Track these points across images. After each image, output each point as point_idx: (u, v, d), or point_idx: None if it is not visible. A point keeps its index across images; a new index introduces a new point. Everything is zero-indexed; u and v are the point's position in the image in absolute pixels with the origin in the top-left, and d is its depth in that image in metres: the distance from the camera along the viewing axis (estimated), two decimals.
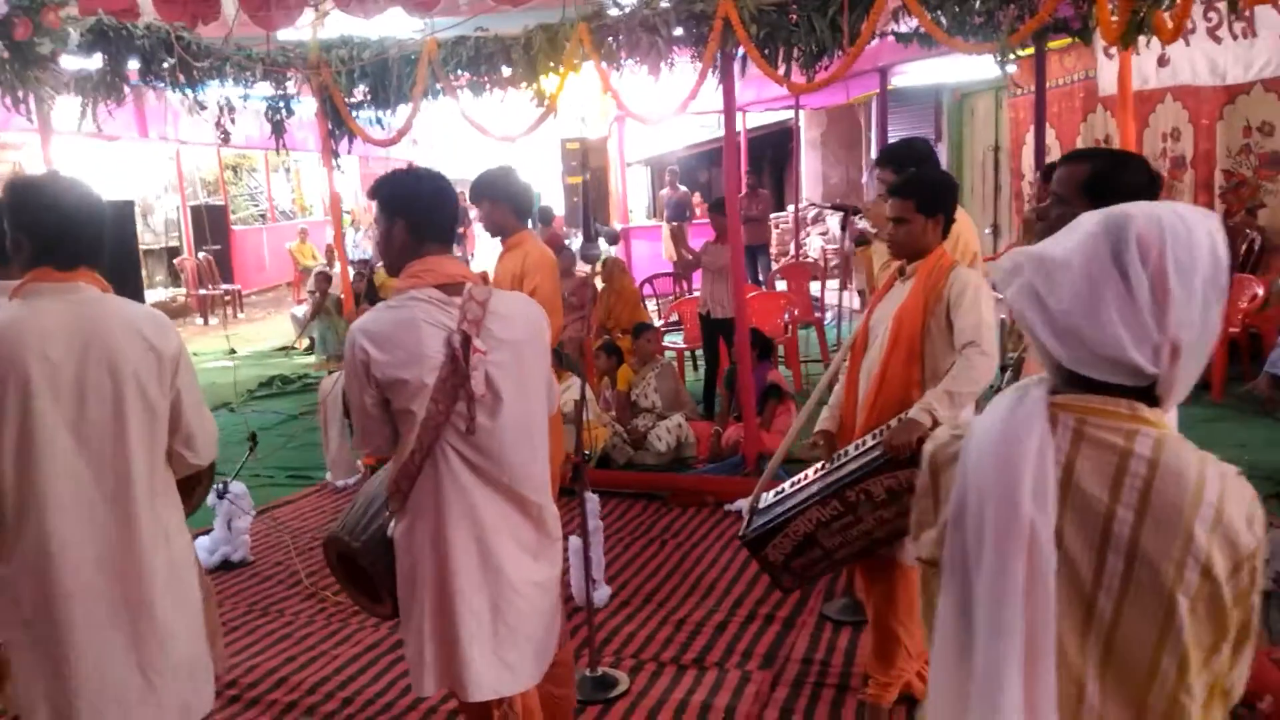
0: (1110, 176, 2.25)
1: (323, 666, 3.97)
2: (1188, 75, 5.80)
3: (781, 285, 10.65)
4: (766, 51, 4.78)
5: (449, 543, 2.39)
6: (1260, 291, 6.88)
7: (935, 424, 2.84)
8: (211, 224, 15.09)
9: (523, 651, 2.49)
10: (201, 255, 14.95)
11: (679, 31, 4.90)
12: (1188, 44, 4.37)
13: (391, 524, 2.54)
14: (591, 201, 3.88)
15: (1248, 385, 6.03)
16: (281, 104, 6.05)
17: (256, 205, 19.97)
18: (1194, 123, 8.11)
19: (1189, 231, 1.18)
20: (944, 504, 1.31)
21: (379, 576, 2.64)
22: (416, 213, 2.45)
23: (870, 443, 3.00)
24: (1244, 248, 7.59)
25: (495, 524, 2.43)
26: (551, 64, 5.19)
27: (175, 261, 16.15)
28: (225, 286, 15.19)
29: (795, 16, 4.66)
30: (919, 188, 3.13)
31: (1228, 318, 6.57)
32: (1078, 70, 9.26)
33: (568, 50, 5.09)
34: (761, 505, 3.20)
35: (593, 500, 3.90)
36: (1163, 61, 5.73)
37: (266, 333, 13.48)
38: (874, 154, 13.99)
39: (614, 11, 5.02)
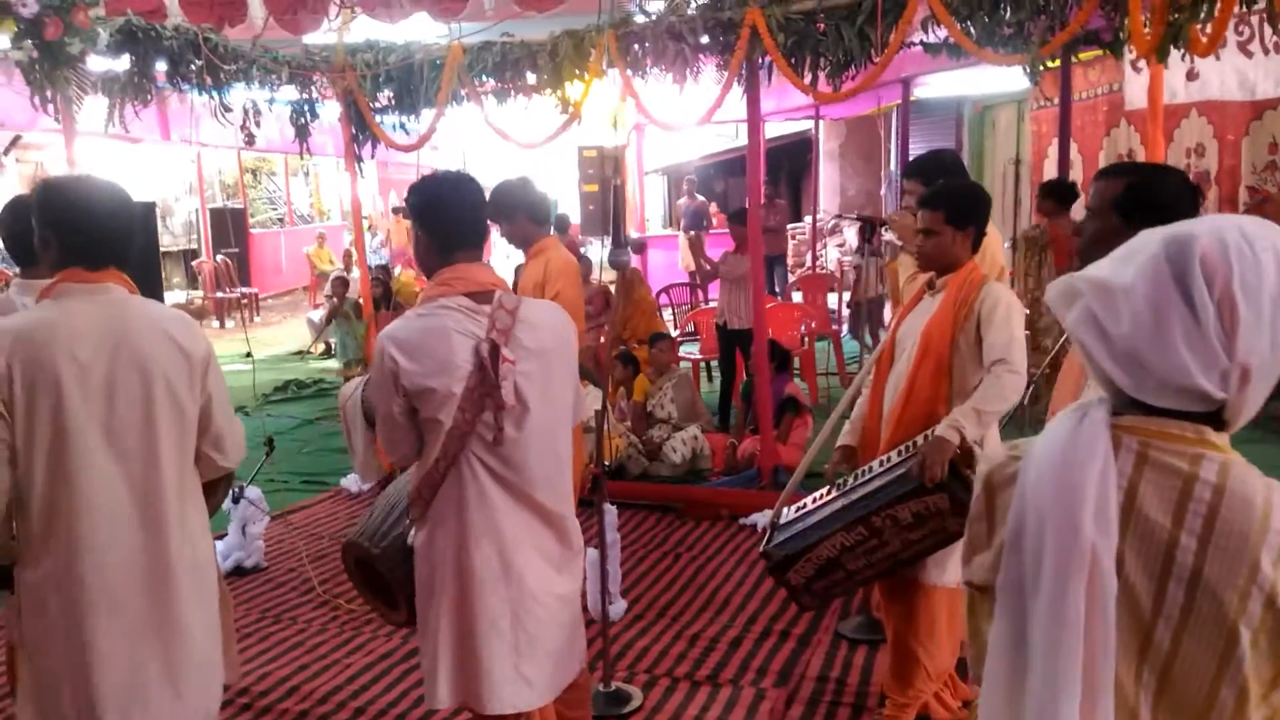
0: (1143, 193, 2.20)
1: (335, 675, 3.93)
2: (1216, 90, 5.74)
3: (797, 296, 10.61)
4: (793, 61, 4.74)
5: (470, 553, 2.36)
6: None
7: (963, 442, 2.79)
8: (230, 227, 15.14)
9: (542, 665, 2.44)
10: (220, 258, 15.00)
11: (705, 40, 4.87)
12: (1218, 58, 4.31)
13: (412, 532, 2.51)
14: (616, 207, 3.87)
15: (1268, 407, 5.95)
16: (306, 108, 6.03)
17: (275, 209, 20.05)
18: (1219, 138, 8.03)
19: (1254, 250, 1.13)
20: (1000, 526, 1.27)
21: (397, 584, 2.61)
22: (440, 220, 2.43)
23: (895, 460, 2.94)
24: None
25: (518, 535, 2.39)
26: (577, 70, 5.16)
27: (193, 264, 16.21)
28: (242, 290, 15.22)
29: (823, 25, 4.62)
30: (949, 199, 3.08)
31: None
32: (1101, 84, 9.19)
33: (594, 57, 5.06)
34: (782, 521, 3.15)
35: (611, 512, 3.85)
36: (1191, 76, 5.67)
37: (282, 336, 13.51)
38: (894, 166, 13.94)
39: (640, 19, 4.98)
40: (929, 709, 3.28)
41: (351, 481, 6.39)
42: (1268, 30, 5.04)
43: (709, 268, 7.22)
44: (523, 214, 4.32)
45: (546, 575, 2.44)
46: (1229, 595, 1.14)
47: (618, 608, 4.16)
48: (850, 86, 4.75)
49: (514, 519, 2.38)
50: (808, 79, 4.82)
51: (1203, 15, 3.28)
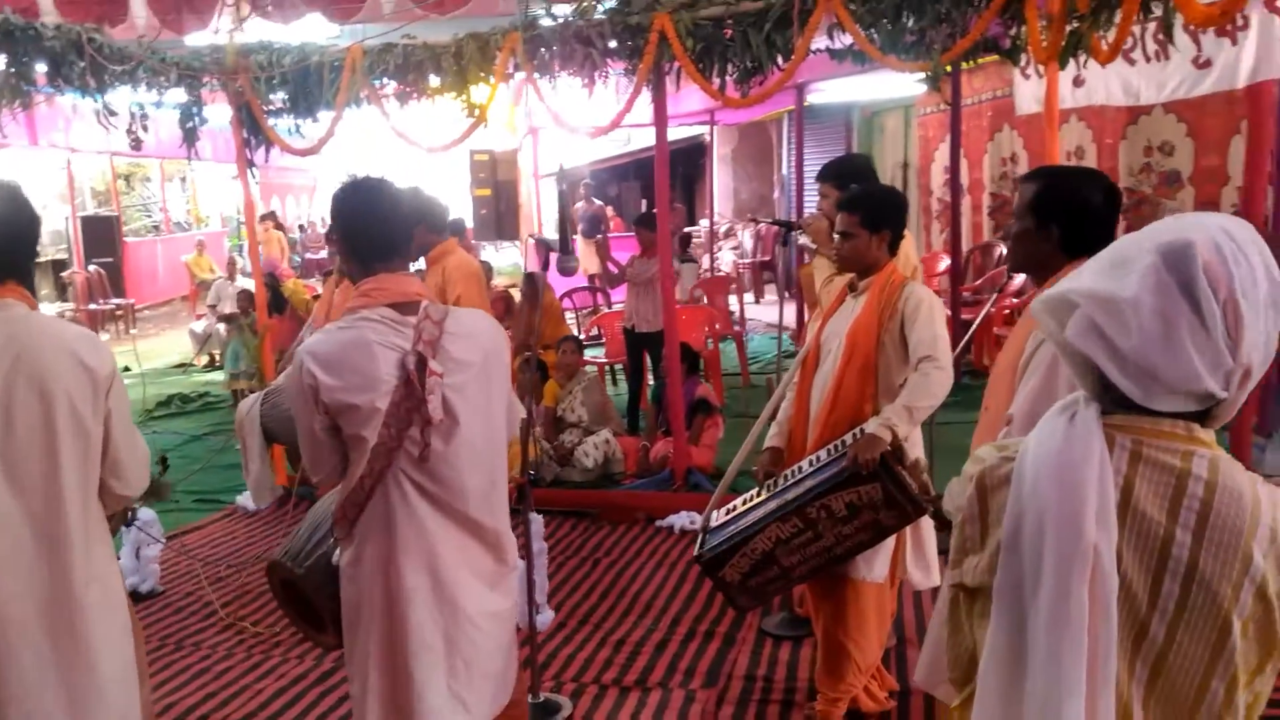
0: (1053, 195, 2.28)
1: (246, 702, 3.76)
2: (1102, 96, 6.02)
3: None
4: (701, 66, 4.76)
5: (401, 573, 2.27)
6: None
7: (895, 438, 2.84)
8: (102, 235, 14.42)
9: (479, 689, 2.37)
10: (92, 268, 14.26)
11: (613, 44, 4.85)
12: (1102, 65, 4.52)
13: (337, 551, 2.40)
14: (564, 213, 3.77)
15: None
16: (195, 111, 5.76)
17: (150, 216, 19.18)
18: (1098, 142, 8.44)
19: (1245, 253, 1.17)
20: (994, 528, 1.27)
21: (322, 605, 2.51)
22: (350, 231, 2.33)
23: (826, 459, 2.98)
24: None
25: (450, 553, 2.31)
26: (483, 74, 5.07)
27: (63, 275, 15.36)
28: (117, 301, 14.50)
29: (730, 31, 4.66)
30: (865, 203, 3.16)
31: None
32: (986, 90, 9.55)
33: (500, 60, 4.98)
34: (714, 524, 3.15)
35: (537, 521, 3.79)
36: (1078, 82, 5.94)
37: (162, 349, 12.92)
38: (786, 170, 14.21)
39: (547, 22, 4.93)
40: (858, 701, 3.33)
41: (248, 499, 6.13)
42: (1149, 39, 5.30)
43: (616, 271, 7.20)
44: (417, 223, 4.23)
45: (480, 594, 2.36)
46: (1223, 587, 1.17)
47: (545, 617, 4.10)
48: (759, 91, 4.80)
49: (445, 536, 2.30)
50: (716, 84, 4.85)
51: (1102, 23, 3.42)
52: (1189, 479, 1.19)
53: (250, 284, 10.85)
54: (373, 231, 2.32)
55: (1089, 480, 1.17)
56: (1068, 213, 2.25)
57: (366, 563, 2.29)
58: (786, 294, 10.96)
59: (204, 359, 11.50)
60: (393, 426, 2.20)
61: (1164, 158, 7.86)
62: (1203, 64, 4.97)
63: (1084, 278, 1.23)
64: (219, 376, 10.77)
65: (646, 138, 15.11)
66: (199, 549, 5.42)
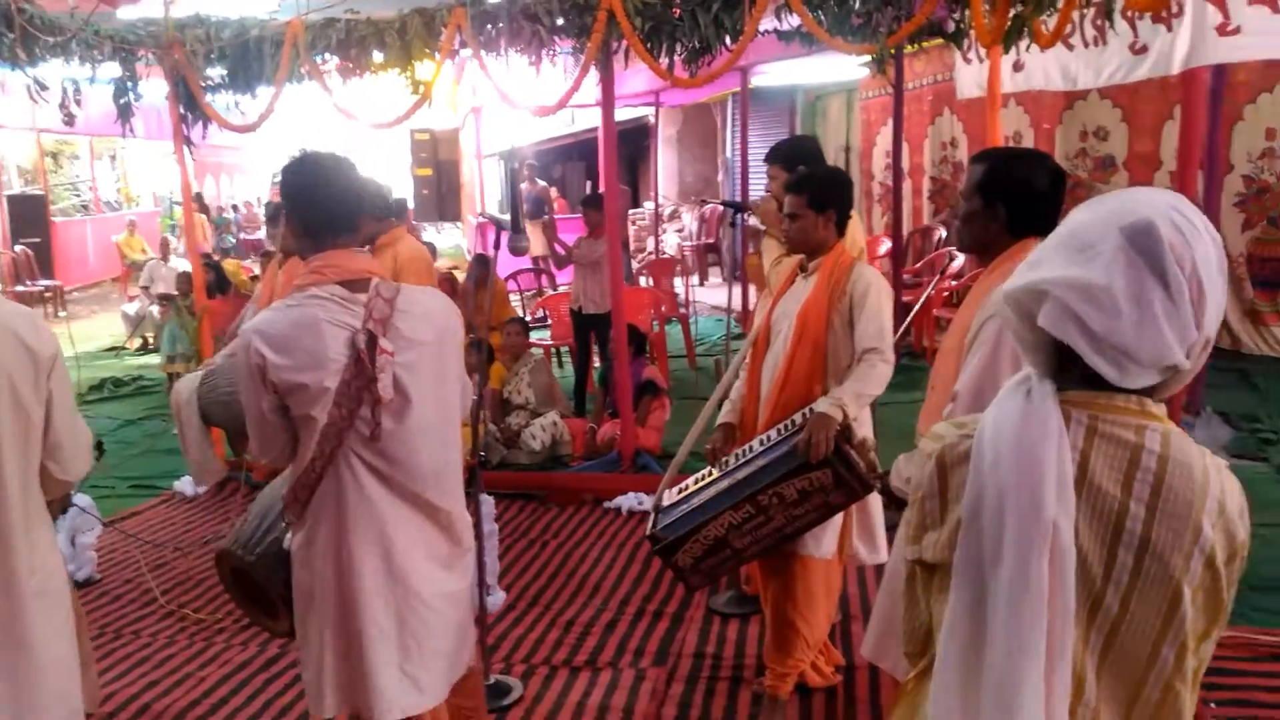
0: (998, 175, 2.33)
1: (190, 690, 3.69)
2: (1040, 80, 6.13)
3: (644, 281, 10.70)
4: (650, 46, 4.75)
5: (352, 555, 2.25)
6: None
7: (845, 419, 2.87)
8: (29, 215, 13.96)
9: (431, 667, 2.36)
10: (18, 249, 13.80)
11: (561, 22, 4.80)
12: (1044, 49, 4.59)
13: (288, 536, 2.37)
14: (514, 192, 3.70)
15: None
16: (129, 86, 5.59)
17: (79, 195, 18.61)
18: (1035, 126, 8.60)
19: (1195, 225, 1.20)
20: (954, 504, 1.29)
21: (276, 592, 2.48)
22: (313, 204, 2.29)
23: (776, 438, 3.00)
24: None
25: (403, 534, 2.30)
26: (427, 50, 5.00)
27: None
28: (45, 282, 14.06)
29: (679, 11, 4.65)
30: (811, 184, 3.19)
31: None
32: (927, 75, 9.67)
33: (445, 36, 4.91)
34: (666, 504, 3.16)
35: (488, 503, 3.78)
36: (1018, 67, 6.04)
37: (93, 331, 12.57)
38: (730, 152, 14.25)
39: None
40: (806, 677, 3.38)
41: (186, 484, 6.02)
42: (1088, 24, 5.40)
43: (563, 253, 7.17)
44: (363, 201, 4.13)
45: (434, 575, 2.35)
46: (1175, 557, 1.20)
47: (496, 599, 4.09)
48: (707, 71, 4.80)
49: (398, 517, 2.29)
50: (664, 64, 4.84)
51: (1045, 8, 3.48)
52: (1142, 453, 1.22)
53: (185, 265, 10.63)
54: (325, 206, 2.28)
55: (1048, 456, 1.19)
56: (1014, 193, 2.29)
57: (319, 545, 2.27)
58: (732, 276, 11.04)
59: (137, 342, 11.23)
60: (343, 406, 2.17)
61: (1099, 143, 8.04)
62: (1139, 50, 5.08)
63: (1049, 266, 1.24)
64: (153, 359, 10.52)
65: (591, 118, 15.03)
66: (137, 535, 5.29)
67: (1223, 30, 4.71)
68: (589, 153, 16.31)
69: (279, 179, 2.39)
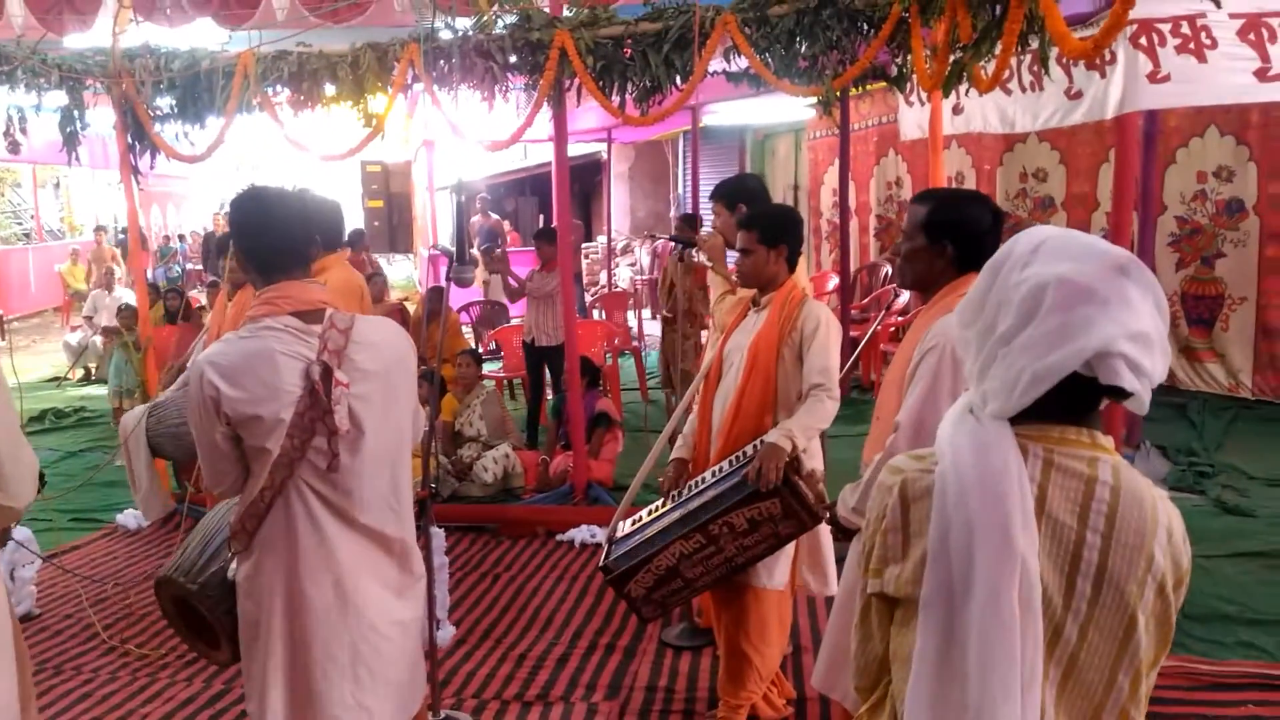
0: (943, 215, 2.41)
1: None
2: (979, 123, 6.32)
3: (597, 314, 10.75)
4: (601, 84, 4.82)
5: (303, 585, 2.24)
6: None
7: (794, 450, 2.93)
8: None
9: (384, 696, 2.35)
10: None
11: (514, 59, 4.86)
12: (982, 94, 4.76)
13: (233, 565, 2.35)
14: (461, 224, 3.68)
15: None
16: (76, 114, 5.53)
17: (20, 224, 18.25)
18: (977, 167, 8.84)
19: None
20: (916, 539, 1.31)
21: (218, 621, 2.45)
22: (248, 241, 2.30)
23: (728, 469, 3.05)
24: None
25: (354, 563, 2.29)
26: (380, 84, 5.02)
27: None
28: None
29: (630, 51, 4.73)
30: (762, 221, 3.27)
31: None
32: (872, 117, 9.90)
33: (398, 70, 4.94)
34: (619, 535, 3.19)
35: (439, 536, 3.76)
36: (957, 110, 6.22)
37: (34, 362, 12.30)
38: (681, 188, 14.41)
39: (447, 35, 4.91)
40: (758, 709, 3.40)
41: (129, 518, 5.91)
42: (1025, 70, 5.59)
43: (515, 285, 7.19)
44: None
45: (386, 603, 2.35)
46: (1130, 585, 1.25)
47: (446, 633, 4.06)
48: (658, 110, 4.89)
49: (350, 547, 2.28)
50: (616, 102, 4.92)
51: (984, 54, 3.61)
52: (1096, 484, 1.26)
53: (129, 295, 10.46)
54: (275, 240, 2.28)
55: (1013, 491, 1.22)
56: (960, 231, 2.38)
57: (266, 575, 2.25)
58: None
59: (79, 372, 11.00)
60: (296, 437, 2.17)
61: (1038, 183, 8.29)
62: (1074, 95, 5.27)
63: (1090, 331, 1.23)
64: (95, 391, 10.32)
65: (544, 153, 15.12)
66: (78, 569, 5.18)
67: (1153, 78, 4.91)
68: (542, 187, 16.39)
69: (226, 210, 2.40)
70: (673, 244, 4.27)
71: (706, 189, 11.87)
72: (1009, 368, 1.26)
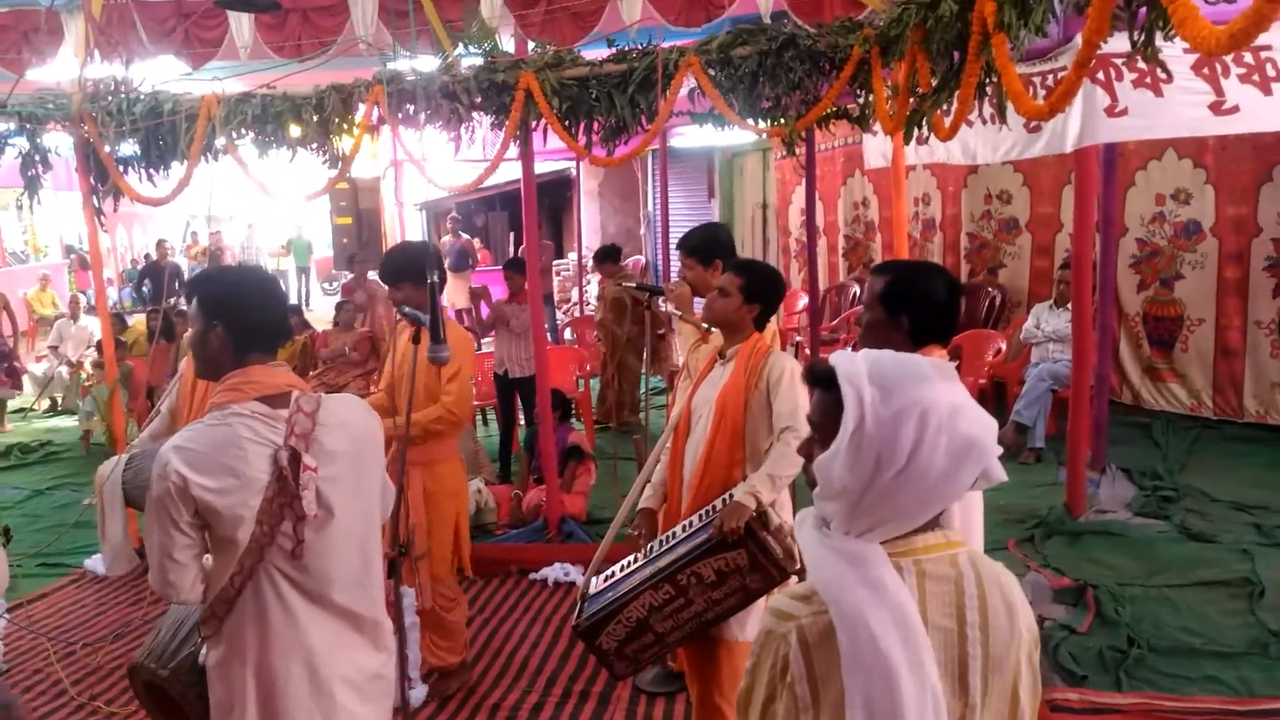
0: (901, 288, 2.45)
1: None
2: (942, 155, 6.41)
3: (568, 334, 10.76)
4: (567, 123, 4.84)
5: (274, 672, 2.22)
6: (1002, 346, 7.63)
7: (759, 505, 2.95)
8: None
9: None
10: None
11: (479, 99, 4.87)
12: (943, 140, 4.82)
13: (203, 650, 2.34)
14: (434, 299, 3.59)
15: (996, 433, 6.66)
16: (37, 157, 5.48)
17: None
18: (942, 189, 8.93)
19: None
20: (825, 683, 1.29)
21: (190, 706, 2.43)
22: (239, 318, 2.27)
23: (697, 524, 3.06)
24: (986, 305, 8.42)
25: (326, 644, 2.28)
26: (345, 125, 5.01)
27: None
28: None
29: (595, 91, 4.76)
30: (752, 274, 3.27)
31: (975, 369, 7.26)
32: (838, 138, 9.98)
33: (363, 113, 4.94)
34: (593, 592, 3.19)
35: (409, 595, 3.75)
36: (921, 141, 6.29)
37: None
38: (652, 206, 14.44)
39: (412, 77, 4.91)
40: None
41: (98, 563, 5.83)
42: (987, 104, 5.67)
43: (487, 320, 7.18)
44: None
45: (358, 685, 2.34)
46: (1008, 669, 1.31)
47: (418, 693, 4.03)
48: (623, 151, 4.91)
49: (321, 628, 2.27)
50: (582, 141, 4.94)
51: (943, 103, 3.66)
52: (963, 581, 1.31)
53: (94, 323, 10.33)
54: (257, 321, 2.28)
55: (919, 624, 1.25)
56: (915, 304, 2.41)
57: (237, 660, 2.24)
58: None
59: (45, 403, 10.86)
60: (265, 524, 2.16)
61: (1003, 205, 8.39)
62: (1033, 129, 5.35)
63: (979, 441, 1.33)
64: (62, 423, 10.20)
65: (514, 170, 15.08)
66: (46, 620, 5.12)
67: (1111, 111, 4.99)
68: (512, 202, 16.36)
69: (200, 286, 2.36)
70: (641, 291, 4.28)
71: (676, 206, 11.97)
72: (911, 497, 1.29)
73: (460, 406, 3.87)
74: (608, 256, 8.76)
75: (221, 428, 2.17)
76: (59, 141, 5.77)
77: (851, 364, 1.33)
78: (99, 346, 8.01)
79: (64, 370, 10.79)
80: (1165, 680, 3.85)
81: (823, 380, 1.37)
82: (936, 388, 1.29)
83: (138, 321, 11.25)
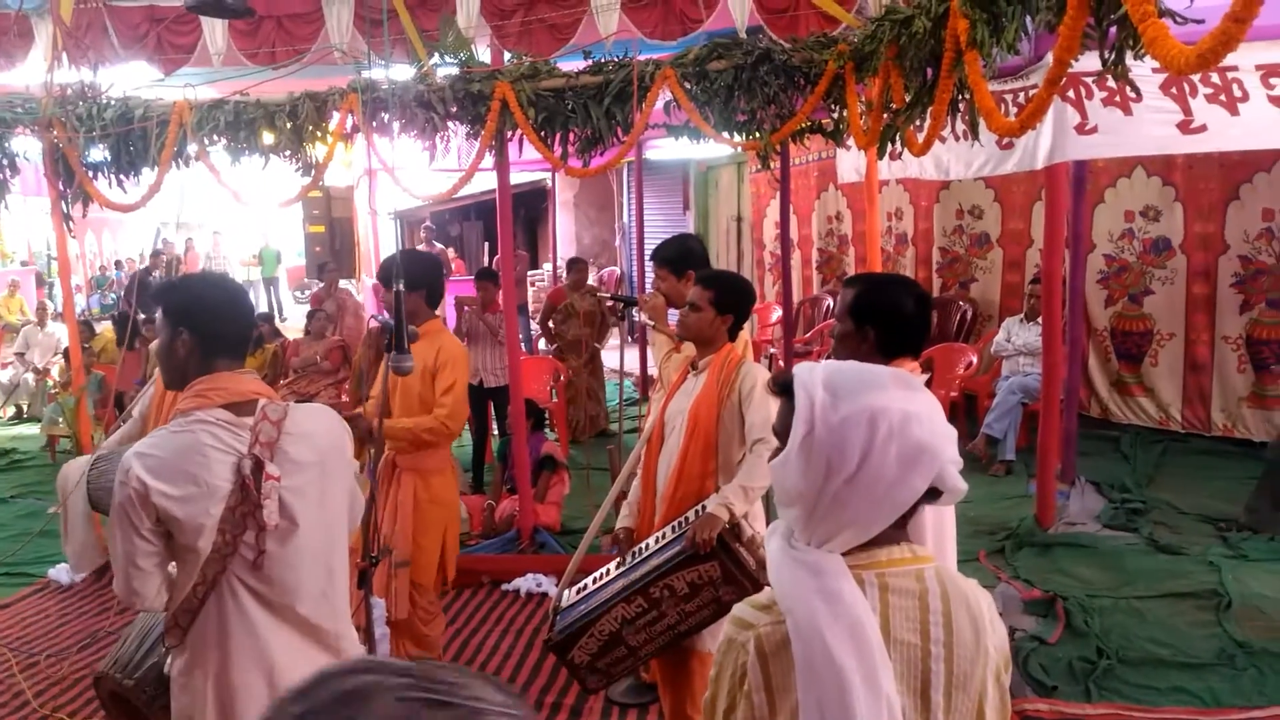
0: (869, 299, 2.47)
1: None
2: (915, 170, 6.47)
3: (542, 344, 10.71)
4: (543, 134, 4.84)
5: (234, 683, 2.20)
6: (974, 359, 7.69)
7: (732, 517, 2.95)
8: None
9: None
10: None
11: (454, 109, 4.86)
12: (916, 156, 4.87)
13: (168, 660, 2.31)
14: (398, 312, 3.56)
15: (967, 446, 6.71)
16: (2, 164, 5.41)
17: None
18: (914, 204, 9.01)
19: None
20: (782, 693, 1.29)
21: (153, 716, 2.40)
22: (206, 324, 2.25)
23: (670, 535, 3.06)
24: (957, 319, 8.49)
25: (287, 659, 2.24)
26: (319, 133, 4.99)
27: None
28: None
29: (571, 103, 4.76)
30: (721, 285, 3.29)
31: (947, 382, 7.31)
32: (812, 152, 10.04)
33: (338, 121, 4.91)
34: (565, 604, 3.18)
35: (379, 606, 3.70)
36: (894, 156, 6.35)
37: None
38: (627, 217, 14.47)
39: (387, 86, 4.90)
40: None
41: (62, 572, 5.75)
42: (959, 120, 5.74)
43: (466, 329, 7.14)
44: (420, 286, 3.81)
45: None
46: (973, 685, 1.30)
47: None
48: (599, 163, 4.92)
49: (282, 641, 2.24)
50: (558, 152, 4.94)
51: (916, 119, 3.70)
52: (929, 596, 1.31)
53: (61, 330, 10.21)
54: (227, 325, 2.26)
55: (874, 636, 1.24)
56: (882, 316, 2.43)
57: (200, 670, 2.21)
58: (629, 339, 11.17)
59: (8, 411, 10.70)
60: (228, 533, 2.13)
61: (974, 220, 8.47)
62: (1005, 145, 5.41)
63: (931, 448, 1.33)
64: (26, 430, 10.05)
65: (488, 180, 15.06)
66: (8, 630, 5.03)
67: (1081, 129, 5.06)
68: (487, 212, 16.34)
69: (165, 295, 2.34)
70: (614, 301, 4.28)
71: (651, 218, 11.99)
72: (864, 503, 1.29)
73: (454, 420, 3.85)
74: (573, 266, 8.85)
75: (184, 434, 2.15)
76: (27, 146, 5.71)
77: (809, 373, 1.34)
78: (66, 354, 7.90)
79: (29, 377, 10.64)
80: (1134, 690, 3.89)
81: (785, 389, 1.38)
82: (890, 394, 1.29)
83: (105, 329, 11.12)
